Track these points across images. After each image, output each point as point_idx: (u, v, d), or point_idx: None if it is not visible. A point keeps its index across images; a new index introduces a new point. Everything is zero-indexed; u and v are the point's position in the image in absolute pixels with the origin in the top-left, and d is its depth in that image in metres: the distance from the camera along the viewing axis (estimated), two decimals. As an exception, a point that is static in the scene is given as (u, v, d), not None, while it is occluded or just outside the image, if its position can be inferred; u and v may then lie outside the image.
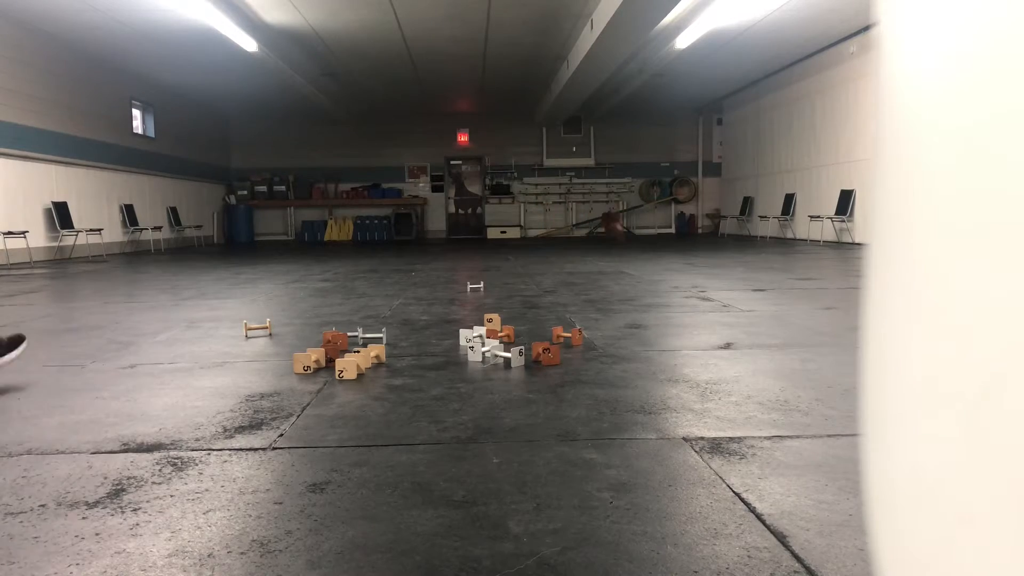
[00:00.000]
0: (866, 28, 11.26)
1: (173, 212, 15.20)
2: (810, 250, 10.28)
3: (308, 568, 1.16)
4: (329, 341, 2.86)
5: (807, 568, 1.13)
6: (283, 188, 18.52)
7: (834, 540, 1.23)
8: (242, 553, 1.22)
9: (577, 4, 9.54)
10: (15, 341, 2.59)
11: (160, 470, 1.64)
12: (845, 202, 11.98)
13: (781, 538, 1.24)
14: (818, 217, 12.71)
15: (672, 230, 19.26)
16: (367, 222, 18.42)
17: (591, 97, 15.18)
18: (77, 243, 11.64)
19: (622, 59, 11.00)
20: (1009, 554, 0.27)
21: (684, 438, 1.80)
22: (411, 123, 18.79)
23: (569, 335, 3.15)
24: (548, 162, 19.12)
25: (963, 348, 0.28)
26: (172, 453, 1.75)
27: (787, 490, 1.45)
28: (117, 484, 1.55)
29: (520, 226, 18.95)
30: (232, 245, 16.33)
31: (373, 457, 1.69)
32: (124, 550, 1.23)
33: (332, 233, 18.39)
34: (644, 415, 2.01)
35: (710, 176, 19.06)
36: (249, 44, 10.16)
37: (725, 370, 2.56)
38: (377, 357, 2.75)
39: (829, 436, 1.80)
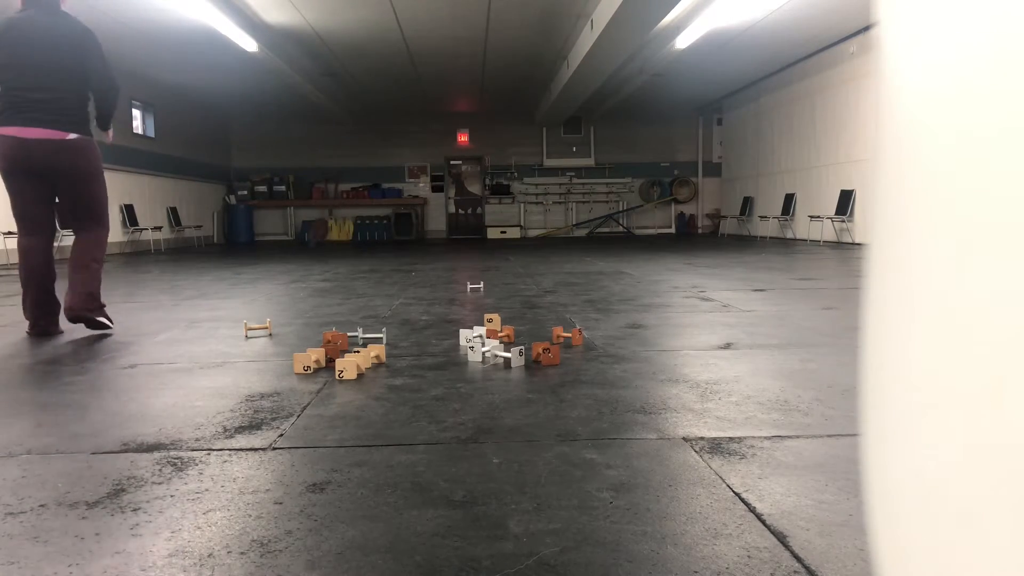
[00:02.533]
0: (866, 28, 11.25)
1: (173, 212, 15.19)
2: (810, 250, 10.28)
3: (308, 568, 1.16)
4: (329, 341, 2.86)
5: (807, 568, 1.13)
6: (283, 188, 18.51)
7: (834, 540, 1.23)
8: (242, 553, 1.22)
9: (577, 4, 9.54)
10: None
11: (160, 470, 1.64)
12: (845, 202, 11.98)
13: (781, 538, 1.24)
14: (818, 217, 12.71)
15: (672, 230, 19.25)
16: (367, 222, 18.43)
17: (591, 97, 15.17)
18: (77, 243, 11.64)
19: (622, 59, 11.00)
20: (1009, 554, 0.27)
21: (684, 438, 1.80)
22: (411, 123, 18.77)
23: (569, 335, 3.15)
24: (548, 162, 19.11)
25: (963, 348, 0.28)
26: (172, 453, 1.75)
27: (787, 490, 1.45)
28: (117, 484, 1.55)
29: (520, 226, 18.94)
30: (232, 245, 16.33)
31: (373, 457, 1.69)
32: (124, 550, 1.23)
33: (332, 233, 18.39)
34: (644, 415, 2.01)
35: (710, 176, 19.05)
36: (249, 44, 10.15)
37: (725, 370, 2.56)
38: (377, 357, 2.75)
39: (829, 436, 1.80)
